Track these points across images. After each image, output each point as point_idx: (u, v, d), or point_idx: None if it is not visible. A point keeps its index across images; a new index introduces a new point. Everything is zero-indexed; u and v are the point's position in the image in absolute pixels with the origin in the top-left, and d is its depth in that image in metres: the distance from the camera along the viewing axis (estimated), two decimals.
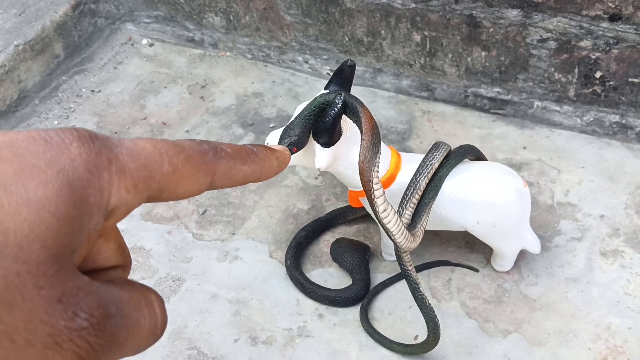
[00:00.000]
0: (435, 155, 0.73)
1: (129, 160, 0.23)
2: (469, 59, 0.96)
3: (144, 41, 1.23)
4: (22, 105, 1.11)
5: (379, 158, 0.58)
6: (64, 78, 1.16)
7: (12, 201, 0.19)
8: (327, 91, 0.70)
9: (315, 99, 0.66)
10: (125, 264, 0.26)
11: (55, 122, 1.09)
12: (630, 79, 0.87)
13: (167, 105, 1.11)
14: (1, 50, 1.08)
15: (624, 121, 0.92)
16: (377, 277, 0.83)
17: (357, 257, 0.82)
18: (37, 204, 0.20)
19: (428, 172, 0.72)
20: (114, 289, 0.22)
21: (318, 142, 0.67)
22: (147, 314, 0.23)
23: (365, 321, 0.78)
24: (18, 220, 0.19)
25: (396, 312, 0.79)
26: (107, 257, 0.25)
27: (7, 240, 0.19)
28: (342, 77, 0.71)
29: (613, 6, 0.81)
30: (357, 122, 0.61)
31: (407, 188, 0.71)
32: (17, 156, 0.20)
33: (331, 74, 1.09)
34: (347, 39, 1.03)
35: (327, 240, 0.87)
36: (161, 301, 0.24)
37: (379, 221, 0.62)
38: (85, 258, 0.24)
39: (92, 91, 1.15)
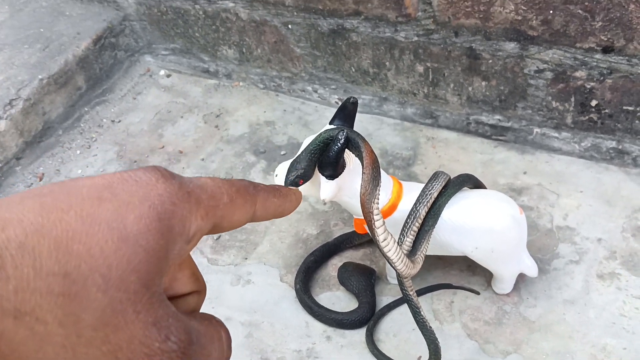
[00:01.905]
0: (435, 184, 0.77)
1: (201, 192, 0.26)
2: (470, 89, 1.00)
3: (162, 72, 1.29)
4: (46, 136, 1.17)
5: (379, 190, 0.63)
6: (86, 109, 1.22)
7: (114, 237, 0.23)
8: (332, 126, 0.74)
9: (320, 134, 0.70)
10: (200, 289, 0.30)
11: (78, 152, 1.15)
12: (624, 107, 0.91)
13: (184, 134, 1.16)
14: (27, 84, 1.15)
15: (620, 147, 0.96)
16: (383, 300, 0.87)
17: (363, 280, 0.87)
18: (133, 240, 0.23)
19: (427, 201, 0.76)
20: (194, 322, 0.26)
21: (323, 175, 0.71)
22: (218, 346, 0.27)
23: (371, 343, 0.82)
24: (119, 256, 0.23)
25: (400, 334, 0.83)
26: (184, 284, 0.29)
27: (110, 273, 0.22)
28: (346, 113, 0.76)
29: (605, 39, 0.85)
30: (359, 156, 0.65)
31: (408, 216, 0.75)
32: (115, 196, 0.24)
33: (339, 102, 1.14)
34: (353, 69, 1.08)
35: (334, 264, 0.92)
36: (229, 337, 0.28)
37: (380, 250, 0.66)
38: (166, 287, 0.27)
39: (113, 121, 1.21)
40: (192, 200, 0.26)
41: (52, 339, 0.21)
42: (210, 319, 0.28)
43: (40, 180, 1.11)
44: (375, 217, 0.63)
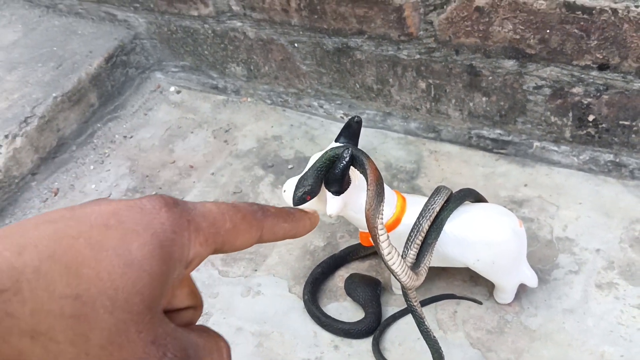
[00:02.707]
0: (437, 199, 0.80)
1: (202, 220, 0.28)
2: (471, 104, 1.04)
3: (172, 89, 1.33)
4: (60, 152, 1.21)
5: (383, 205, 0.66)
6: (99, 125, 1.26)
7: (120, 263, 0.25)
8: (338, 144, 0.78)
9: (326, 152, 0.74)
10: (196, 305, 0.32)
11: (91, 167, 1.19)
12: (620, 122, 0.94)
13: (194, 149, 1.20)
14: (41, 102, 1.18)
15: (617, 160, 0.99)
16: (388, 310, 0.90)
17: (369, 291, 0.90)
18: (138, 265, 0.25)
19: (430, 215, 0.79)
20: (192, 335, 0.28)
21: (329, 191, 0.74)
22: (217, 358, 0.29)
23: (377, 352, 0.84)
24: (125, 280, 0.25)
25: (406, 343, 0.86)
26: (181, 300, 0.31)
27: (117, 295, 0.24)
28: (350, 131, 0.79)
29: (601, 57, 0.88)
30: (364, 173, 0.69)
31: (411, 230, 0.78)
32: (120, 223, 0.26)
33: (344, 117, 1.17)
34: (358, 86, 1.11)
35: (341, 275, 0.95)
36: (228, 348, 0.30)
37: (385, 262, 0.69)
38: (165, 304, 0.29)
39: (125, 137, 1.25)
40: (191, 228, 0.28)
41: (64, 357, 0.24)
42: (208, 331, 0.30)
43: (55, 195, 1.15)
44: (380, 232, 0.66)
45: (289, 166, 1.13)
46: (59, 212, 0.26)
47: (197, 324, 0.32)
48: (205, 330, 0.30)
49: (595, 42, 0.87)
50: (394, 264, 0.69)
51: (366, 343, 0.86)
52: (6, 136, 1.13)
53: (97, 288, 0.24)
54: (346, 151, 0.71)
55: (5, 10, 1.41)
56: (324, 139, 1.17)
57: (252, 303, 0.93)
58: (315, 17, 1.04)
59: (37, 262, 0.24)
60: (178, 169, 1.17)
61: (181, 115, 1.27)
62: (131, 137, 1.24)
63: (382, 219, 0.66)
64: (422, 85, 1.05)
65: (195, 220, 0.28)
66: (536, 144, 1.04)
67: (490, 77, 0.98)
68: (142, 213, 0.27)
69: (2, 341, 0.22)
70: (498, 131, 1.06)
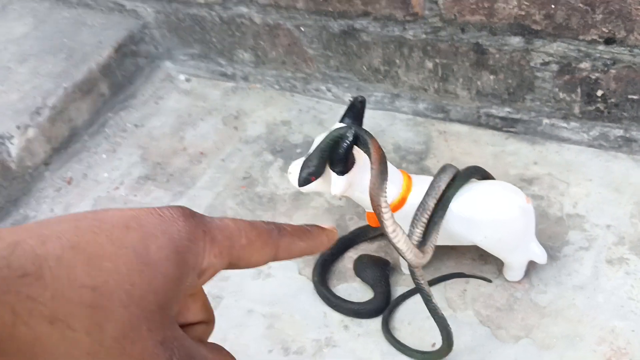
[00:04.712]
0: (443, 177, 0.80)
1: (218, 232, 0.29)
2: (478, 83, 1.03)
3: (182, 77, 1.33)
4: (72, 142, 1.22)
5: (387, 184, 0.66)
6: (110, 115, 1.27)
7: (138, 261, 0.26)
8: (342, 125, 0.78)
9: (330, 132, 0.74)
10: (208, 320, 0.33)
11: (104, 156, 1.20)
12: (629, 96, 0.93)
13: (204, 136, 1.21)
14: (52, 92, 1.20)
15: (627, 135, 0.98)
16: (397, 290, 0.90)
17: (378, 272, 0.90)
18: (154, 266, 0.26)
19: (436, 194, 0.79)
20: (203, 349, 0.28)
21: (334, 171, 0.75)
22: None
23: (387, 331, 0.85)
24: (141, 277, 0.25)
25: (415, 322, 0.87)
26: (194, 313, 0.32)
27: (133, 291, 0.25)
28: (354, 111, 0.80)
29: (607, 31, 0.87)
30: (367, 152, 0.69)
31: (417, 209, 0.78)
32: (140, 226, 0.27)
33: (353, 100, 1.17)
34: (365, 68, 1.11)
35: (350, 256, 0.95)
36: None
37: (390, 240, 0.69)
38: (177, 313, 0.29)
39: (136, 125, 1.26)
40: (207, 239, 0.28)
41: (79, 346, 0.24)
42: (220, 350, 0.30)
43: (69, 184, 1.16)
44: (384, 210, 0.66)
45: (298, 150, 1.14)
46: (82, 213, 0.27)
47: (212, 342, 0.32)
48: (218, 349, 0.30)
49: (601, 15, 0.86)
50: (399, 241, 0.69)
51: (376, 323, 0.87)
52: (18, 127, 1.14)
53: (115, 281, 0.24)
54: (349, 131, 0.71)
55: (16, 4, 1.42)
56: (332, 122, 1.16)
57: (263, 285, 0.94)
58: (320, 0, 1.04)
59: (59, 251, 0.24)
60: (189, 156, 1.18)
61: (191, 103, 1.28)
62: (142, 125, 1.26)
63: (386, 197, 0.66)
64: (429, 65, 1.05)
65: (211, 232, 0.29)
66: (545, 121, 1.03)
67: (497, 55, 0.98)
68: (161, 219, 0.27)
69: (22, 324, 0.23)
70: (507, 109, 1.05)
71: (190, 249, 0.28)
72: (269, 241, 0.32)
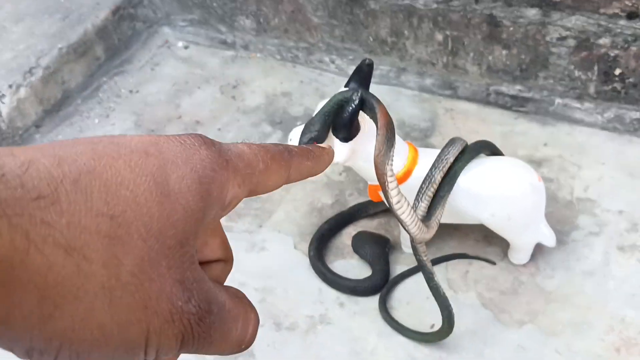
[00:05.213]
0: (451, 150, 0.76)
1: (238, 161, 0.27)
2: (490, 58, 0.99)
3: (180, 44, 1.29)
4: (65, 105, 1.18)
5: (393, 152, 0.62)
6: (105, 79, 1.23)
7: (158, 192, 0.23)
8: (347, 89, 0.73)
9: (335, 96, 0.69)
10: (226, 259, 0.30)
11: (96, 121, 1.16)
12: None
13: (201, 105, 1.16)
14: (46, 53, 1.15)
15: None
16: (397, 269, 0.86)
17: (377, 249, 0.86)
18: (174, 197, 0.24)
19: (443, 167, 0.75)
20: (222, 294, 0.26)
21: (337, 137, 0.70)
22: (241, 327, 0.27)
23: (384, 310, 0.81)
24: (161, 209, 0.23)
25: (414, 302, 0.82)
26: (213, 250, 0.29)
27: (152, 223, 0.23)
28: (361, 75, 0.75)
29: (630, 4, 0.83)
30: (373, 117, 0.64)
31: (423, 182, 0.74)
32: (160, 153, 0.24)
33: (360, 63, 1.12)
34: (371, 39, 1.07)
35: (349, 233, 0.91)
36: (257, 323, 0.28)
37: (393, 212, 0.65)
38: (196, 251, 0.27)
39: (131, 91, 1.21)
40: (230, 169, 0.26)
41: (94, 278, 0.22)
42: (241, 298, 0.28)
43: None
44: (389, 179, 0.62)
45: (298, 123, 1.09)
46: (98, 137, 0.25)
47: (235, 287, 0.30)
48: (239, 296, 0.28)
49: None
50: (402, 213, 0.65)
51: (373, 301, 0.83)
52: (10, 86, 1.10)
53: (134, 212, 0.23)
54: (355, 94, 0.66)
55: None
56: None
57: (257, 258, 0.90)
58: None
59: (76, 174, 0.22)
60: (184, 124, 1.13)
61: (188, 71, 1.23)
62: (137, 91, 1.21)
63: (391, 165, 0.62)
64: (439, 37, 1.00)
65: (232, 161, 0.27)
66: (558, 100, 0.98)
67: (512, 28, 0.93)
68: (183, 147, 0.25)
69: (36, 251, 0.21)
70: (518, 87, 1.00)
71: (215, 180, 0.25)
72: (282, 163, 0.30)
